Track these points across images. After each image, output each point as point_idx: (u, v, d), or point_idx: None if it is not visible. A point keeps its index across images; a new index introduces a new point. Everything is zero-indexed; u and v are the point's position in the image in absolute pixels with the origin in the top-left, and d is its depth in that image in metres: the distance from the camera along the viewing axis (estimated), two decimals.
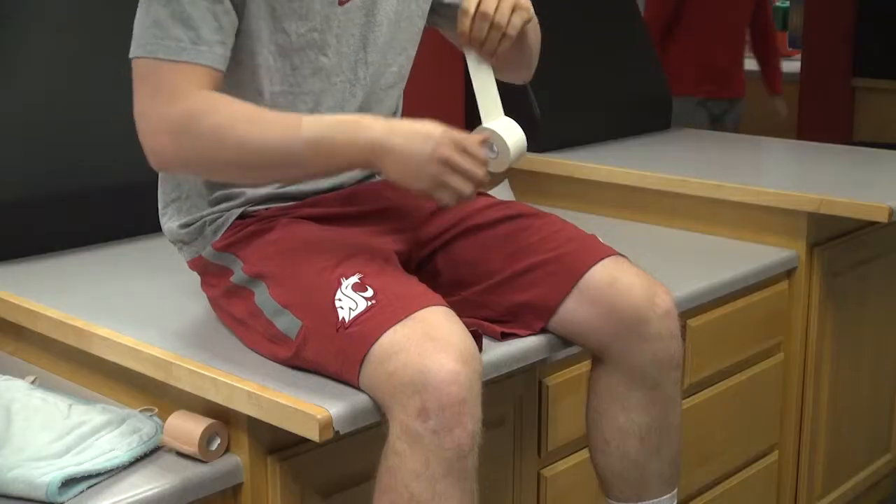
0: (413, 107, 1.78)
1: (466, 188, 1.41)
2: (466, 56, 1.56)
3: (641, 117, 3.01)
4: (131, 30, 1.41)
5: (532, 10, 1.56)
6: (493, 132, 1.50)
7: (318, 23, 1.55)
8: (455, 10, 1.66)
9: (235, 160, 1.45)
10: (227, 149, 1.43)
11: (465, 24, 1.50)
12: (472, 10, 1.50)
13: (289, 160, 1.44)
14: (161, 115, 1.44)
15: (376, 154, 1.41)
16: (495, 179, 1.54)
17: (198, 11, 1.44)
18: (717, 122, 3.88)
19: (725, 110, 3.91)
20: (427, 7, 1.71)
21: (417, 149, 1.39)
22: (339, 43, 1.58)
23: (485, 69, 1.56)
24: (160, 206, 1.67)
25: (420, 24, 1.71)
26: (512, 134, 1.51)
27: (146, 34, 1.45)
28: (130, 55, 1.47)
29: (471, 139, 1.43)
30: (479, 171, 1.42)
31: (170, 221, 1.64)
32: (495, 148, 1.50)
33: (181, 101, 1.43)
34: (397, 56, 1.68)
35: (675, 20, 3.78)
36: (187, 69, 1.44)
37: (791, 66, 4.40)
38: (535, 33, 1.69)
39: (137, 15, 1.47)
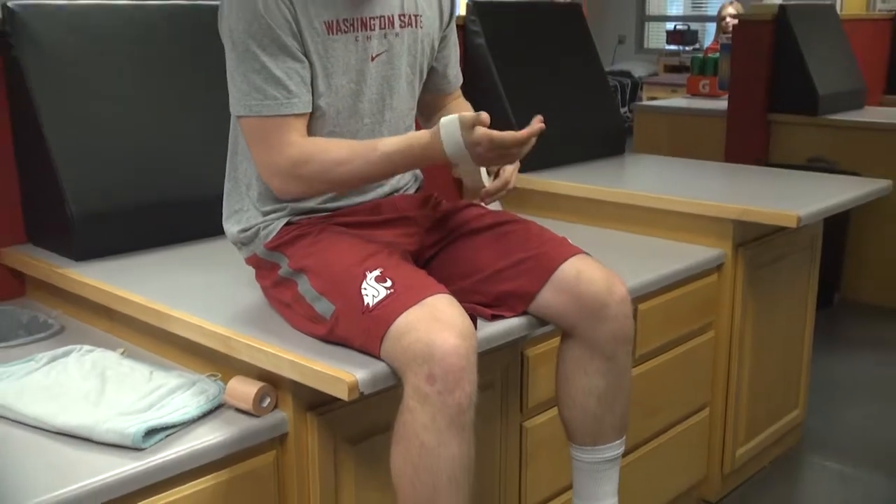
0: None
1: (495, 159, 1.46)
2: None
3: (601, 145, 3.01)
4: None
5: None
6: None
7: (354, 75, 1.55)
8: (433, 73, 1.72)
9: (336, 184, 1.54)
10: (329, 181, 1.51)
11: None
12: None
13: (375, 173, 1.50)
14: (273, 165, 1.50)
15: (429, 156, 1.46)
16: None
17: (284, 72, 1.47)
18: None
19: None
20: (427, 63, 1.70)
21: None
22: (371, 91, 1.58)
23: None
24: (224, 215, 1.67)
25: (423, 74, 1.71)
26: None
27: (249, 97, 1.48)
28: (237, 114, 1.51)
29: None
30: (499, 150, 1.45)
31: (232, 227, 1.64)
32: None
33: (286, 150, 1.48)
34: (411, 99, 1.68)
35: None
36: (287, 120, 1.48)
37: (720, 104, 4.40)
38: None
39: (232, 78, 1.50)
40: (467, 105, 1.81)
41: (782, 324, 2.55)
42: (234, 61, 1.48)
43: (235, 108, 1.50)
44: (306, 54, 1.50)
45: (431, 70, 1.74)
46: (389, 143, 1.48)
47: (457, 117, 1.41)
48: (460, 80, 1.82)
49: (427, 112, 1.80)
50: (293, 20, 1.47)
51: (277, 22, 1.46)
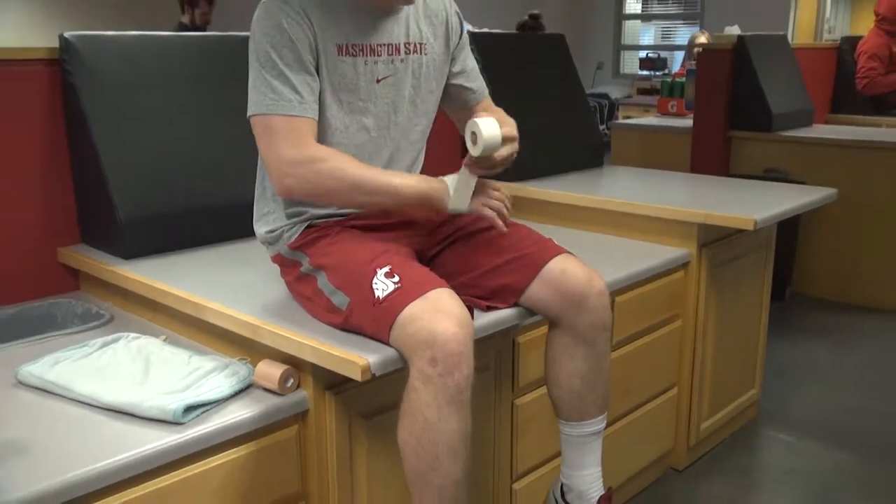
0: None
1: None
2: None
3: (582, 158, 3.01)
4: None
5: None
6: (476, 125, 1.48)
7: (361, 94, 1.55)
8: (456, 90, 1.66)
9: (345, 191, 1.46)
10: (342, 185, 1.45)
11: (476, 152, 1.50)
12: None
13: (384, 195, 1.47)
14: (286, 159, 1.44)
15: (431, 200, 1.49)
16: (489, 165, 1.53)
17: (299, 81, 1.45)
18: None
19: None
20: (441, 86, 1.69)
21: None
22: (377, 109, 1.58)
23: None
24: (254, 218, 1.66)
25: (437, 95, 1.69)
26: (490, 129, 1.49)
27: (265, 98, 1.45)
28: (253, 112, 1.46)
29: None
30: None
31: (260, 229, 1.64)
32: (477, 138, 1.48)
33: (300, 147, 1.44)
34: (420, 119, 1.66)
35: None
36: (299, 121, 1.45)
37: (686, 122, 4.40)
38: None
39: (252, 83, 1.47)
40: (499, 111, 1.71)
41: (741, 314, 2.54)
42: (256, 68, 1.47)
43: (252, 108, 1.47)
44: (318, 69, 1.49)
45: (454, 88, 1.71)
46: (402, 177, 1.48)
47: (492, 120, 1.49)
48: (486, 90, 1.77)
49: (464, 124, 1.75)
50: (312, 38, 1.47)
51: (298, 37, 1.45)
